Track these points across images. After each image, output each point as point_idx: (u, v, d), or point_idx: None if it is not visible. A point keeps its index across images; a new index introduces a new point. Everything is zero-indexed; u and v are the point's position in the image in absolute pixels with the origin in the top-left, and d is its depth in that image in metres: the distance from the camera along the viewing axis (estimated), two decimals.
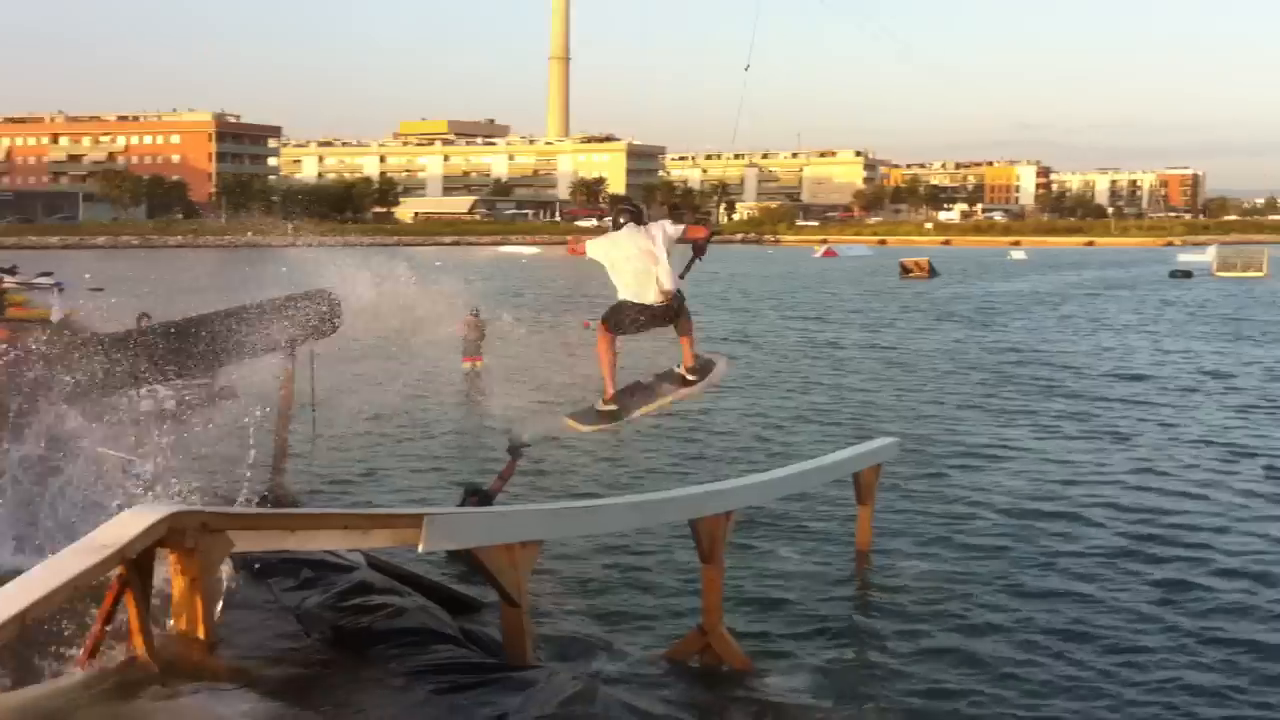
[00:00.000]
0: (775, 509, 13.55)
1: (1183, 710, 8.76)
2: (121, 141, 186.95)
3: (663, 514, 10.18)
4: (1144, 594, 11.24)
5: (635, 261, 8.86)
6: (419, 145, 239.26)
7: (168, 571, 6.42)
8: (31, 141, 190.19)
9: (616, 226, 9.31)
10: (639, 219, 9.17)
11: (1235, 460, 17.59)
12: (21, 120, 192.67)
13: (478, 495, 12.83)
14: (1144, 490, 15.61)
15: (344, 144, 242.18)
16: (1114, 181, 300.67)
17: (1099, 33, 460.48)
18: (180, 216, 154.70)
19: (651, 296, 8.85)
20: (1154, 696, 8.96)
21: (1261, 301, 53.87)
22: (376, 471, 17.11)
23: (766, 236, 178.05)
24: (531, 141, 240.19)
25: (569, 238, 10.95)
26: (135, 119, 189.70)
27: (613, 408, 9.52)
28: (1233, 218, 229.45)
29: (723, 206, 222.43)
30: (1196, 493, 15.51)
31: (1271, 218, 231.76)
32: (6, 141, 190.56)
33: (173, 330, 13.64)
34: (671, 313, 8.93)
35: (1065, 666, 9.64)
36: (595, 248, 9.18)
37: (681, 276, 9.11)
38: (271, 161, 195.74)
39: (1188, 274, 75.49)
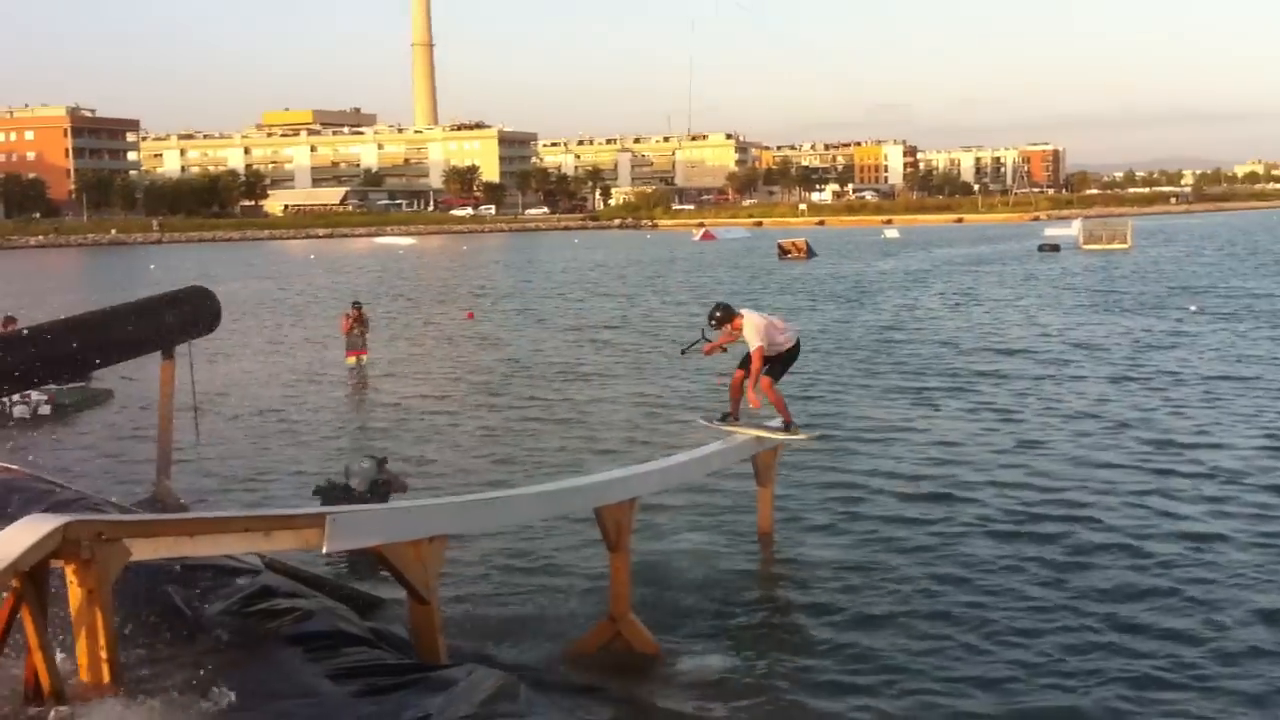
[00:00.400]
0: (678, 494, 13.53)
1: (1078, 689, 8.92)
2: None
3: (568, 503, 10.08)
4: (1036, 573, 11.40)
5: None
6: (284, 136, 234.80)
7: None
8: None
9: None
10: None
11: (1116, 432, 18.05)
12: None
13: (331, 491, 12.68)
14: (1028, 466, 15.88)
15: (206, 136, 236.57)
16: (979, 159, 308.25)
17: (953, 13, 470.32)
18: (39, 216, 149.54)
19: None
20: (1051, 678, 9.09)
21: (1127, 273, 55.57)
22: (262, 472, 16.67)
23: (644, 221, 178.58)
24: (400, 130, 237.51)
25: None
26: None
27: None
28: (1094, 191, 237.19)
29: (598, 192, 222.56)
30: (1082, 466, 15.85)
31: (1131, 190, 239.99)
32: None
33: (44, 333, 13.04)
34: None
35: (958, 641, 9.78)
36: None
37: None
38: (131, 156, 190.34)
39: (1055, 248, 77.59)
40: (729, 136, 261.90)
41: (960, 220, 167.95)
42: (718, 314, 12.11)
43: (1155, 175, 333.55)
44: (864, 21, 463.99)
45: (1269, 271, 53.48)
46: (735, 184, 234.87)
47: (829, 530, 13.02)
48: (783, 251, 78.71)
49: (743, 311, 12.12)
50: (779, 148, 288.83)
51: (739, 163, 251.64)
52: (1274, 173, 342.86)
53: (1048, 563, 11.63)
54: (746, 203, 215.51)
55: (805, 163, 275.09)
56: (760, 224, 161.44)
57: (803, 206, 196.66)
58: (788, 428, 12.37)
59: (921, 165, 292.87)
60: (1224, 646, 9.44)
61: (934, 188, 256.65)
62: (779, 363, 12.35)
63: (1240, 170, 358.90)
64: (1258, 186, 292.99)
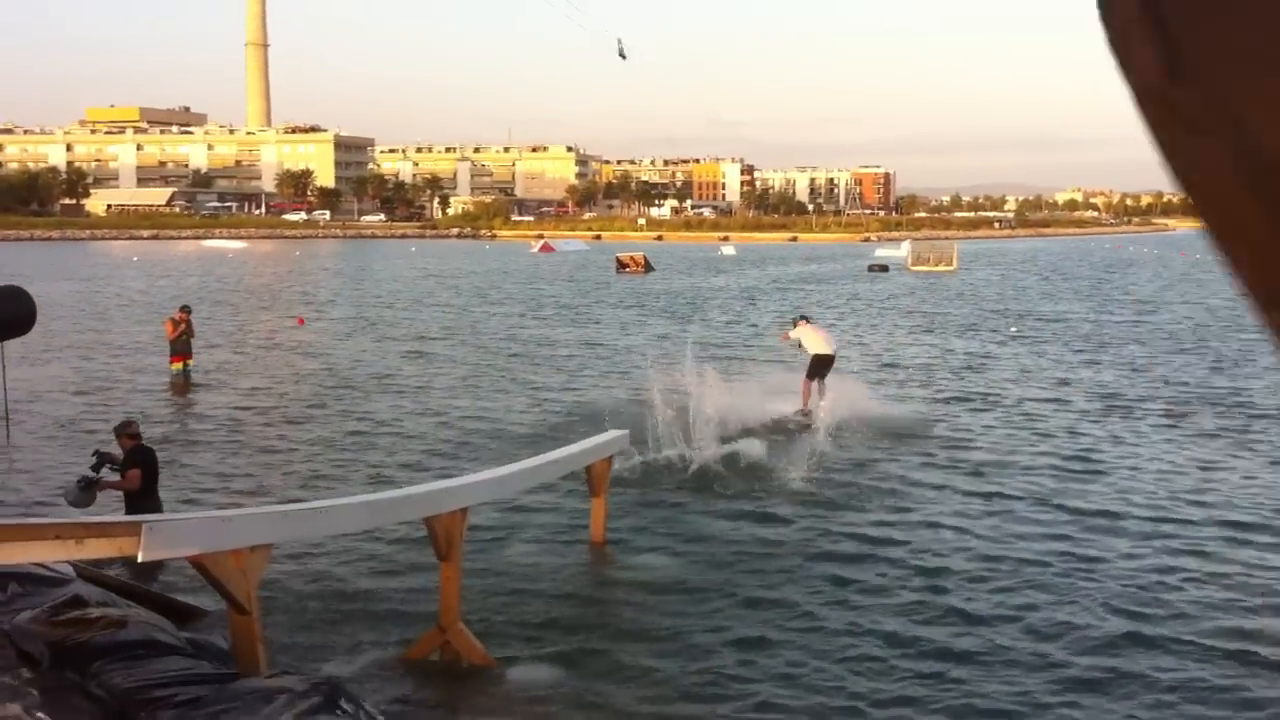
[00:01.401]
0: (510, 504, 13.49)
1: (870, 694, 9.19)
2: None
3: (397, 513, 9.97)
4: (838, 595, 11.69)
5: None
6: (109, 134, 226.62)
7: None
8: None
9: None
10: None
11: (928, 450, 18.62)
12: None
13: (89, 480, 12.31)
14: (845, 485, 16.27)
15: (26, 131, 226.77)
16: (813, 179, 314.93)
17: (790, 34, 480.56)
18: None
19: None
20: (875, 681, 9.36)
21: (952, 295, 57.40)
22: (76, 478, 16.02)
23: (483, 231, 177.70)
24: (232, 131, 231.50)
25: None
26: None
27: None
28: (923, 214, 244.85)
29: (436, 201, 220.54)
30: (893, 481, 16.32)
31: (958, 214, 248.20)
32: None
33: None
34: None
35: (779, 648, 9.98)
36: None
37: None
38: None
39: (884, 268, 79.65)
40: (569, 149, 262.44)
41: (795, 239, 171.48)
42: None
43: (981, 200, 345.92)
44: (705, 40, 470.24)
45: (1078, 295, 55.90)
46: (575, 197, 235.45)
47: (661, 542, 13.12)
48: (620, 265, 79.15)
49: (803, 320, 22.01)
50: (619, 162, 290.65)
51: (579, 175, 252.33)
52: (1092, 200, 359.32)
53: (849, 582, 11.87)
54: (586, 216, 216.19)
55: (645, 178, 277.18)
56: (599, 237, 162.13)
57: (642, 221, 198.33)
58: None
59: (758, 184, 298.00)
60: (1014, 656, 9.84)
61: (770, 206, 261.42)
62: (822, 365, 20.67)
63: (1060, 197, 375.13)
64: (1076, 213, 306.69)
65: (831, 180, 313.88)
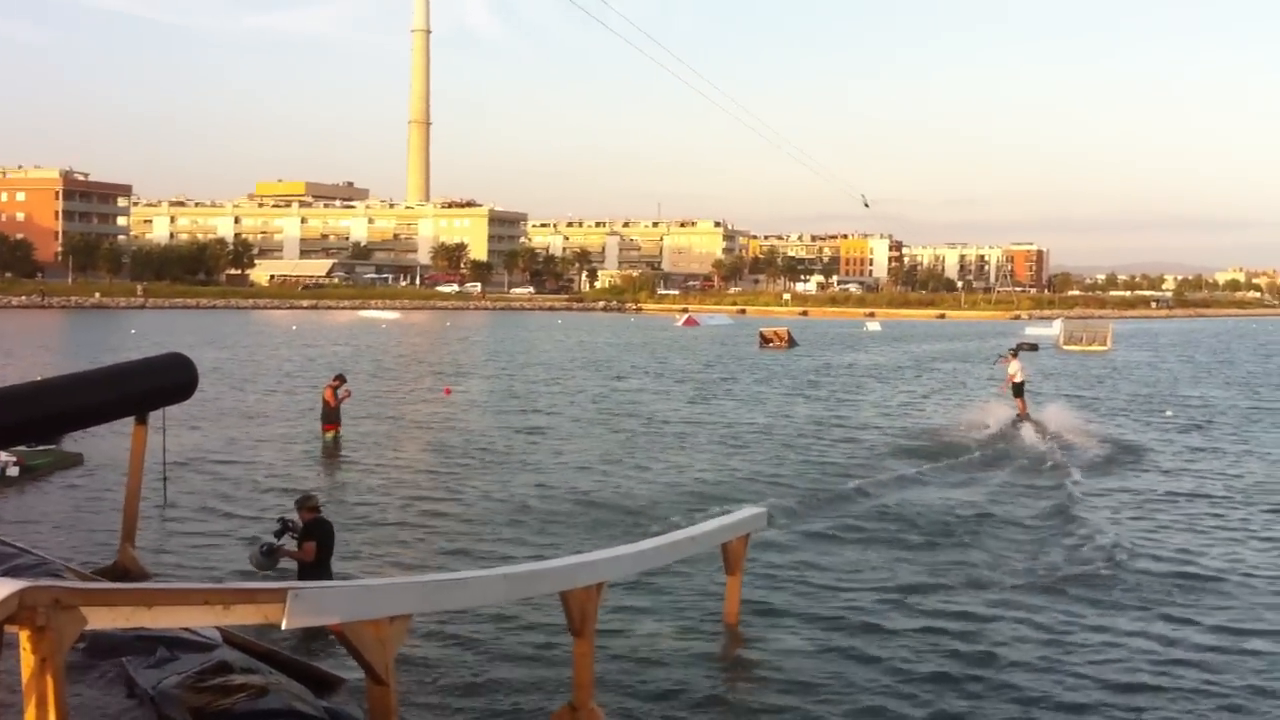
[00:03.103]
0: (644, 579, 13.47)
1: None
2: None
3: (534, 586, 10.01)
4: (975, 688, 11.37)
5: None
6: (275, 207, 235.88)
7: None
8: None
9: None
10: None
11: (1070, 532, 18.07)
12: None
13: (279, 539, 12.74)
14: (985, 572, 15.88)
15: (197, 204, 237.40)
16: (963, 256, 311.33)
17: (943, 114, 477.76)
18: (39, 276, 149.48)
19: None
20: None
21: (1105, 374, 55.79)
22: (228, 542, 16.54)
23: (629, 304, 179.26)
24: (391, 205, 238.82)
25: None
26: None
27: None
28: (1076, 293, 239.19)
29: (585, 274, 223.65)
30: (1015, 563, 15.86)
31: (1113, 293, 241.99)
32: None
33: (16, 395, 12.98)
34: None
35: None
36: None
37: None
38: (121, 221, 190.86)
39: (1034, 347, 77.93)
40: (717, 224, 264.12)
41: (943, 316, 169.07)
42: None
43: (1137, 279, 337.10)
44: (856, 115, 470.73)
45: (1236, 380, 53.75)
46: (721, 271, 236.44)
47: (798, 624, 12.92)
48: (764, 340, 79.04)
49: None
50: (766, 237, 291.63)
51: (726, 250, 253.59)
52: (1254, 281, 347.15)
53: (981, 680, 11.57)
54: (731, 290, 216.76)
55: (791, 253, 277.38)
56: (744, 311, 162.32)
57: (787, 296, 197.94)
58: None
59: (907, 260, 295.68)
60: None
61: (918, 283, 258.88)
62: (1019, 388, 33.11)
63: (1221, 277, 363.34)
64: (1238, 294, 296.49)
65: (982, 257, 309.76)
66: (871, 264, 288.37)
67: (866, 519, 18.84)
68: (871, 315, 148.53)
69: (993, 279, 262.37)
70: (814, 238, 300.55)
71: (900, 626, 12.76)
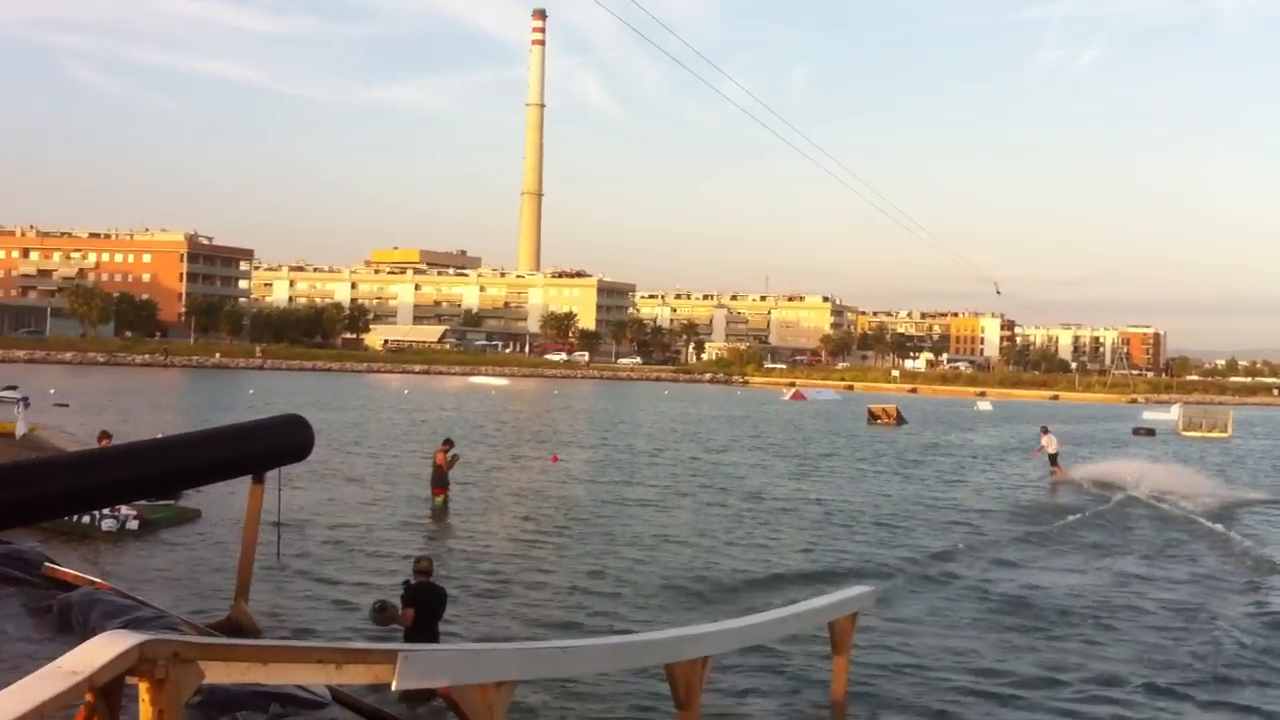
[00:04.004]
0: (748, 655, 13.32)
1: None
2: (93, 258, 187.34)
3: (639, 658, 9.96)
4: None
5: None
6: (391, 273, 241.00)
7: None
8: (1, 255, 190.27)
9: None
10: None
11: (1191, 618, 17.47)
12: None
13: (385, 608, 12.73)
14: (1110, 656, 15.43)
15: (316, 269, 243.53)
16: (1077, 337, 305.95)
17: (1060, 194, 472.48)
18: (160, 336, 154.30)
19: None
20: None
21: (1226, 463, 54.16)
22: (337, 600, 16.76)
23: (735, 377, 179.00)
24: (503, 274, 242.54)
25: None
26: (107, 236, 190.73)
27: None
28: (1195, 377, 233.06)
29: (691, 345, 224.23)
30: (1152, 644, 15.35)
31: (1233, 379, 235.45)
32: None
33: (139, 452, 13.34)
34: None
35: None
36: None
37: None
38: (243, 284, 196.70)
39: (1151, 432, 75.99)
40: (825, 299, 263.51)
41: (1056, 397, 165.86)
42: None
43: (1259, 365, 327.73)
44: (968, 195, 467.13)
45: None
46: (829, 346, 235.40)
47: (906, 706, 12.66)
48: (872, 416, 78.26)
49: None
50: (875, 313, 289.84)
51: (834, 325, 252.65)
52: None
53: None
54: (839, 365, 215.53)
55: (901, 329, 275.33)
56: (852, 387, 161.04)
57: (896, 373, 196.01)
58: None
59: (1018, 340, 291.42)
60: None
61: (1030, 363, 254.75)
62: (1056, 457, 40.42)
63: None
64: None
65: (1097, 339, 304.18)
66: (982, 342, 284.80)
67: (976, 603, 18.46)
68: (982, 394, 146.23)
69: (1108, 361, 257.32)
70: (924, 314, 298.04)
71: (1009, 718, 12.40)
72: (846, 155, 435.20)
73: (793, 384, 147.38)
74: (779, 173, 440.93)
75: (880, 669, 13.90)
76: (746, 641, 11.39)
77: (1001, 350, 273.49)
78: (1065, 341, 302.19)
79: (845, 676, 12.52)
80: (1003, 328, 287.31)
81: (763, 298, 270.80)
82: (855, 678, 12.84)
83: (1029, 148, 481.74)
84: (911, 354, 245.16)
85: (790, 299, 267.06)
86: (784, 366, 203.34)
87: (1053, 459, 40.74)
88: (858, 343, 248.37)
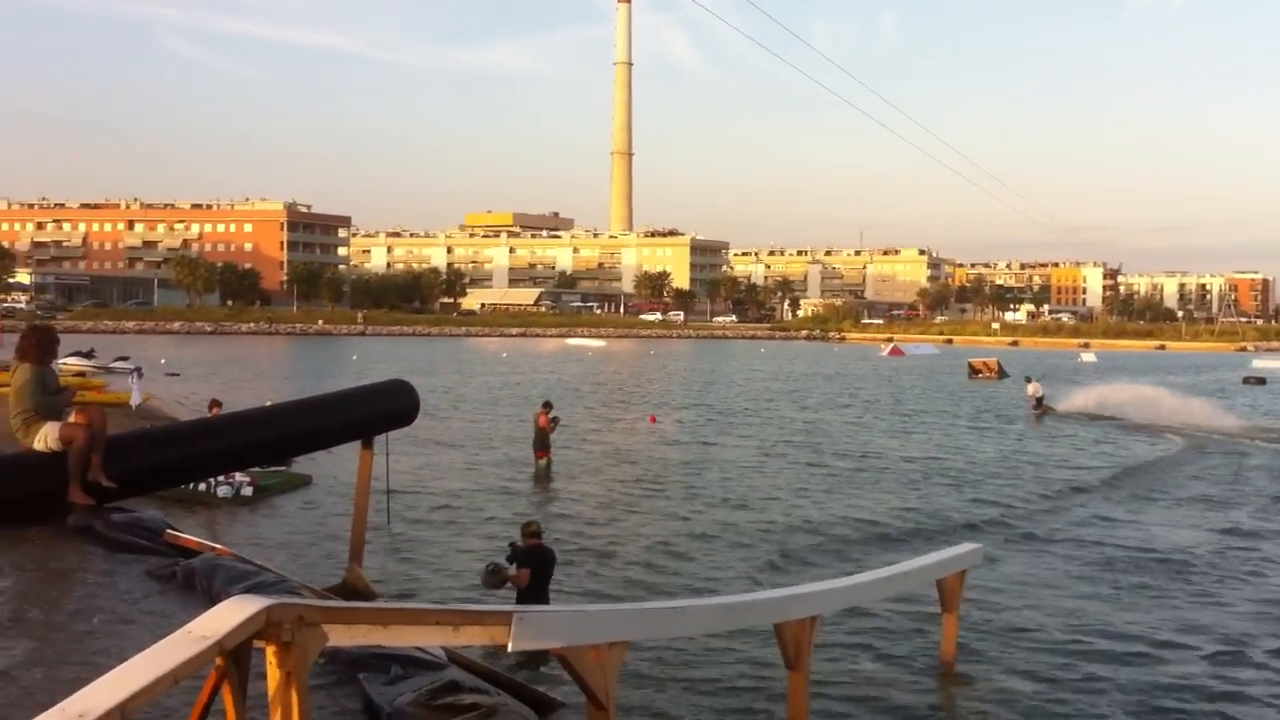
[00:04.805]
0: (857, 612, 13.29)
1: None
2: (196, 229, 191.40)
3: (748, 616, 9.99)
4: None
5: None
6: (485, 237, 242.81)
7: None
8: (108, 228, 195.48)
9: None
10: None
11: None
12: (98, 206, 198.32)
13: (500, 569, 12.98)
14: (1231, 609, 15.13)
15: (412, 235, 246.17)
16: (1182, 284, 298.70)
17: (1160, 137, 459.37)
18: (262, 304, 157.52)
19: None
20: None
21: None
22: (444, 563, 17.05)
23: (831, 333, 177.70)
24: (595, 235, 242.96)
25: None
26: (209, 207, 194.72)
27: None
28: None
29: (787, 302, 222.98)
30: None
31: None
32: (84, 227, 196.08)
33: (251, 419, 13.67)
34: None
35: None
36: None
37: None
38: (341, 251, 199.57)
39: (1261, 380, 74.07)
40: (921, 252, 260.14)
41: (1162, 347, 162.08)
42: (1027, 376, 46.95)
43: None
44: (1065, 142, 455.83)
45: None
46: (926, 300, 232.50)
47: (1018, 665, 12.54)
48: (973, 370, 77.20)
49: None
50: (973, 265, 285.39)
51: (931, 279, 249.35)
52: None
53: None
54: (938, 319, 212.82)
55: (1000, 281, 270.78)
56: (951, 341, 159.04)
57: (996, 325, 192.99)
58: None
59: (1122, 289, 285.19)
60: None
61: (1135, 312, 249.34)
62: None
63: None
64: None
65: (1203, 286, 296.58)
66: (1084, 292, 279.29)
67: (1084, 559, 18.21)
68: (1086, 346, 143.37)
69: (1215, 309, 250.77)
70: (1023, 265, 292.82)
71: (1126, 678, 12.21)
72: (937, 104, 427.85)
73: (890, 339, 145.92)
74: (870, 125, 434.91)
75: (988, 628, 13.79)
76: (855, 601, 11.38)
77: (1104, 300, 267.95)
78: (1170, 290, 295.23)
79: (955, 635, 12.43)
80: (1105, 277, 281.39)
81: (857, 252, 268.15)
82: (963, 637, 12.75)
83: (1124, 93, 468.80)
84: (1011, 306, 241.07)
85: (885, 253, 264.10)
86: (881, 321, 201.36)
87: (1039, 402, 46.76)
88: (955, 296, 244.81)
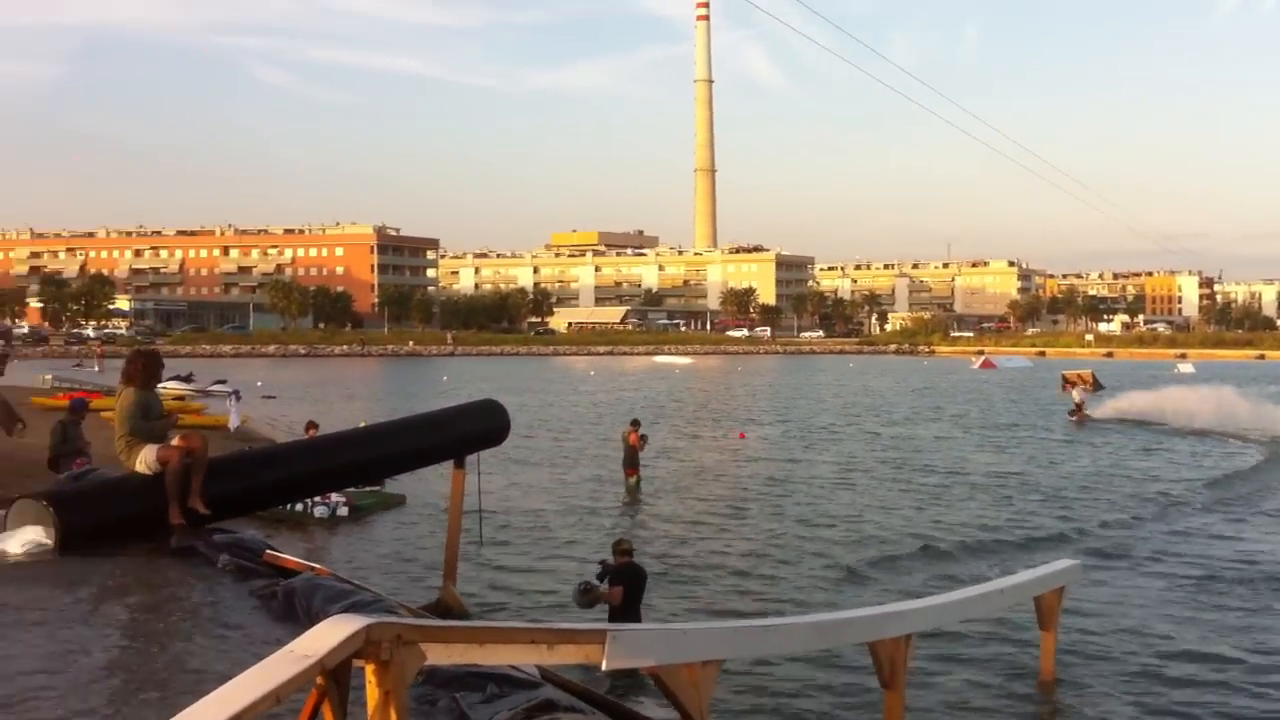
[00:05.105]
0: (952, 630, 13.13)
1: None
2: (289, 254, 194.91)
3: (842, 635, 9.93)
4: None
5: None
6: (571, 256, 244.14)
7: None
8: (204, 254, 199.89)
9: None
10: None
11: None
12: (194, 233, 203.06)
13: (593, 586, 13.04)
14: None
15: (499, 255, 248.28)
16: None
17: (1257, 142, 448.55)
18: (353, 326, 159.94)
19: None
20: None
21: None
22: (534, 581, 17.16)
23: (920, 347, 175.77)
24: (680, 252, 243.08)
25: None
26: (301, 232, 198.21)
27: None
28: None
29: (874, 316, 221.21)
30: None
31: None
32: (180, 254, 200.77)
33: (347, 440, 13.91)
34: None
35: None
36: None
37: None
38: (430, 273, 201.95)
39: None
40: (1011, 263, 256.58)
41: (1262, 356, 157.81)
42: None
43: None
44: (1157, 150, 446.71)
45: None
46: (1017, 312, 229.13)
47: (1119, 684, 12.29)
48: (1067, 382, 75.78)
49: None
50: (1064, 275, 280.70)
51: (1021, 290, 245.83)
52: None
53: None
54: (1029, 331, 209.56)
55: (1092, 291, 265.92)
56: (1043, 353, 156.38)
57: (1089, 337, 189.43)
58: None
59: (1219, 297, 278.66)
60: None
61: (1233, 321, 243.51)
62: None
63: None
64: None
65: None
66: (1180, 302, 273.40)
67: (1185, 578, 17.77)
68: (1183, 356, 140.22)
69: None
70: (1116, 275, 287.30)
71: (1233, 703, 11.87)
72: (1022, 114, 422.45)
73: (981, 352, 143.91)
74: (955, 136, 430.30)
75: (1085, 646, 13.53)
76: (951, 618, 11.25)
77: (1201, 309, 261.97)
78: (1269, 297, 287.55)
79: (1053, 654, 12.22)
80: (1201, 286, 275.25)
81: (945, 265, 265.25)
82: (1060, 656, 12.53)
83: (1219, 98, 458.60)
84: (1105, 317, 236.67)
85: (974, 265, 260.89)
86: (971, 334, 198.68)
87: (1079, 407, 50.54)
88: (1047, 307, 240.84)
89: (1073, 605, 13.74)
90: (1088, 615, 14.81)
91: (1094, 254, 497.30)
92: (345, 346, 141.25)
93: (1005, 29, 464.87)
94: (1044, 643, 12.20)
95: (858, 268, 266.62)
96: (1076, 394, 51.96)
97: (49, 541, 9.67)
